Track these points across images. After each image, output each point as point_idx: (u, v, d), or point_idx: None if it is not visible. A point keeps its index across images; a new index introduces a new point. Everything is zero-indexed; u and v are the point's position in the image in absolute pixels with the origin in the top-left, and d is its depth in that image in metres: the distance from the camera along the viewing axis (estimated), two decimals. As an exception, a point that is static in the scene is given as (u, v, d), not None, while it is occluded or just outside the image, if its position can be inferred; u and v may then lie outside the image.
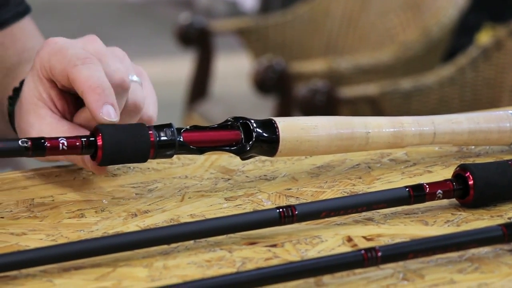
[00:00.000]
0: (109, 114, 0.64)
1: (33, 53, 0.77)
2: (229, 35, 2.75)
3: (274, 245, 0.60)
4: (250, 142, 0.67)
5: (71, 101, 0.69)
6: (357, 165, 0.73)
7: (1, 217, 0.64)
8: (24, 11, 0.85)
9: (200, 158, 0.74)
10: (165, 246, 0.59)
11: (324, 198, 0.67)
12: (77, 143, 0.63)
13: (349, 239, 0.61)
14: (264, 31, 2.68)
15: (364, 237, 0.61)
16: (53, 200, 0.66)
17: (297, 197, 0.68)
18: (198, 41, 2.65)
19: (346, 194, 0.68)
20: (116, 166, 0.72)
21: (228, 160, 0.74)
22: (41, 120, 0.68)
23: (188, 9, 4.63)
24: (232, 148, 0.67)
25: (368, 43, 2.53)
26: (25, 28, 0.85)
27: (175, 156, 0.71)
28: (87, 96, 0.65)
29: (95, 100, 0.65)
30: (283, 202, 0.67)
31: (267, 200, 0.67)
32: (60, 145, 0.63)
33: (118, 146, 0.64)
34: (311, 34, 2.68)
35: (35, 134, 0.67)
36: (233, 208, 0.66)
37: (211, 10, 4.76)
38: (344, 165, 0.73)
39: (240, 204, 0.66)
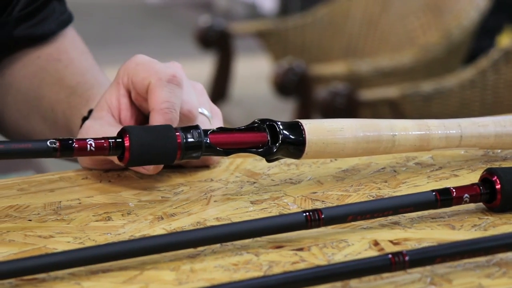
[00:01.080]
0: None
1: (97, 73, 0.79)
2: (249, 37, 2.75)
3: (301, 249, 0.60)
4: (277, 144, 0.67)
5: (135, 115, 0.70)
6: (382, 168, 0.73)
7: (29, 220, 0.64)
8: (68, 19, 0.86)
9: (225, 162, 0.74)
10: (191, 250, 0.59)
11: (350, 202, 0.67)
12: (105, 144, 0.63)
13: (376, 243, 0.61)
14: (284, 33, 2.68)
15: (391, 241, 0.61)
16: (80, 203, 0.67)
17: (323, 201, 0.67)
18: (218, 43, 2.66)
19: (372, 198, 0.68)
20: (142, 169, 0.72)
21: (253, 163, 0.73)
22: (98, 119, 0.69)
23: (207, 12, 4.64)
24: (259, 150, 0.67)
25: (388, 45, 2.53)
26: (72, 42, 0.86)
27: (200, 159, 0.71)
28: (155, 116, 0.67)
29: (160, 124, 0.66)
30: (309, 205, 0.67)
31: (293, 203, 0.67)
32: (88, 146, 0.63)
33: (145, 147, 0.64)
34: (331, 36, 2.68)
35: (85, 127, 0.70)
36: (259, 212, 0.66)
37: (231, 12, 4.77)
38: (369, 168, 0.73)
39: (266, 208, 0.66)
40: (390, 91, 2.09)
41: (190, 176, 0.71)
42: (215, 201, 0.67)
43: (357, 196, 0.68)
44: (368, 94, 2.10)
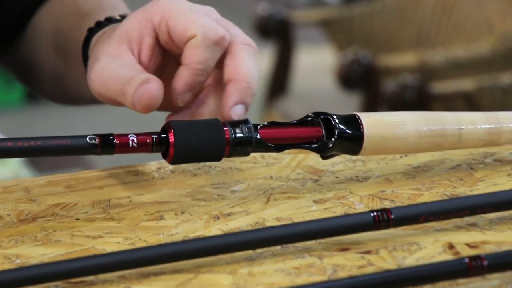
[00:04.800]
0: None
1: (117, 2, 0.79)
2: (311, 26, 2.75)
3: (368, 252, 0.60)
4: (332, 139, 0.66)
5: (156, 59, 0.69)
6: (457, 165, 0.72)
7: (77, 219, 0.64)
8: None
9: (285, 157, 0.73)
10: (250, 252, 0.59)
11: (422, 201, 0.67)
12: (148, 140, 0.63)
13: (451, 246, 0.60)
14: (349, 22, 2.67)
15: (468, 244, 0.60)
16: (130, 201, 0.67)
17: (392, 200, 0.67)
18: (278, 33, 2.66)
19: (446, 197, 0.67)
20: (196, 165, 0.72)
21: (316, 159, 0.73)
22: (116, 57, 0.68)
23: (266, -1, 4.64)
24: (313, 146, 0.66)
25: (464, 34, 2.50)
26: None
27: (259, 155, 0.71)
28: (184, 72, 0.66)
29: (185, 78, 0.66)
30: (377, 205, 0.66)
31: (359, 203, 0.67)
32: (130, 142, 0.63)
33: (191, 143, 0.64)
34: (401, 24, 2.66)
35: (100, 65, 0.67)
36: (322, 211, 0.65)
37: (291, 0, 4.76)
38: (443, 165, 0.72)
39: (330, 207, 0.66)
40: (465, 84, 2.07)
41: (248, 173, 0.71)
42: (275, 200, 0.67)
43: (429, 195, 0.68)
44: (441, 87, 2.08)
